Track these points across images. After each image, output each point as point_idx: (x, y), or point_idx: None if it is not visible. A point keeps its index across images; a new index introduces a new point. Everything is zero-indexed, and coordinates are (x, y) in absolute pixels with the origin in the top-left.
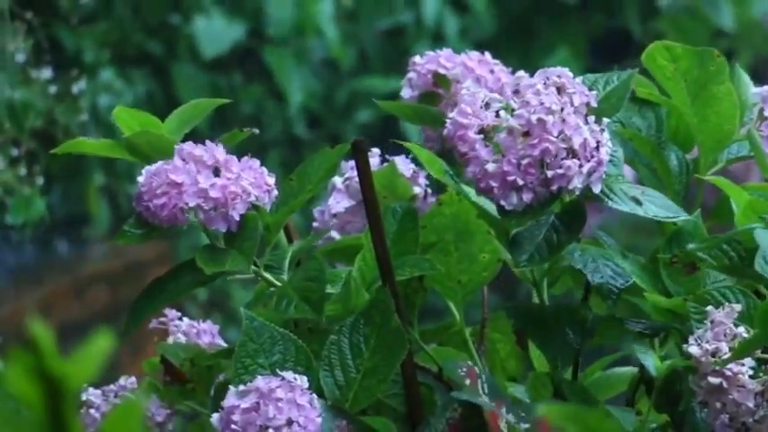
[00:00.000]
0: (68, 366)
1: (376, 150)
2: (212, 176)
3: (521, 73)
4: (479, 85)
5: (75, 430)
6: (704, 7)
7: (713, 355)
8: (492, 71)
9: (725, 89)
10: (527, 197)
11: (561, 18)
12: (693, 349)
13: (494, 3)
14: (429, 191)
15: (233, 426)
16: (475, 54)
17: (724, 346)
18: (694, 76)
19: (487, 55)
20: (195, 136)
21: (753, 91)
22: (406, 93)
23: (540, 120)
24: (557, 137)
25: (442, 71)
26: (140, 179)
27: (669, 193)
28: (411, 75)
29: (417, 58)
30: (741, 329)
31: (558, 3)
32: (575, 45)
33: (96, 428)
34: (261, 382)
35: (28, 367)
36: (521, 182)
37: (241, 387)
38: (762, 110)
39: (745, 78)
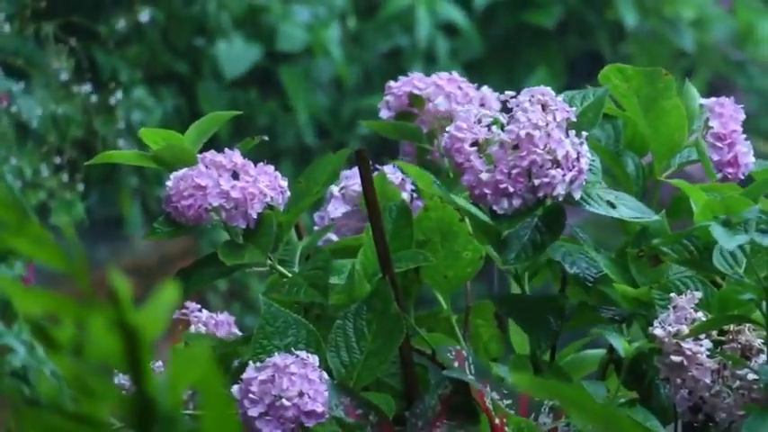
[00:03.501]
0: (143, 317)
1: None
2: (232, 180)
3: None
4: (449, 101)
5: (151, 376)
6: (667, 31)
7: (675, 336)
8: (460, 87)
9: (673, 103)
10: (516, 203)
11: (541, 41)
12: (658, 331)
13: (480, 27)
14: (415, 195)
15: (250, 395)
16: (444, 74)
17: (685, 329)
18: (645, 92)
19: (455, 74)
20: (217, 147)
21: (700, 102)
22: (384, 114)
23: (528, 134)
24: (543, 149)
25: (416, 91)
26: (168, 183)
27: (629, 194)
28: (388, 97)
29: (392, 83)
30: (700, 314)
31: (538, 27)
32: (553, 65)
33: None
34: (278, 358)
35: (109, 320)
36: (511, 189)
37: (259, 363)
38: (707, 120)
39: (693, 92)
